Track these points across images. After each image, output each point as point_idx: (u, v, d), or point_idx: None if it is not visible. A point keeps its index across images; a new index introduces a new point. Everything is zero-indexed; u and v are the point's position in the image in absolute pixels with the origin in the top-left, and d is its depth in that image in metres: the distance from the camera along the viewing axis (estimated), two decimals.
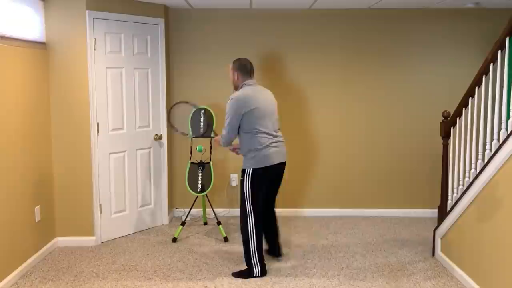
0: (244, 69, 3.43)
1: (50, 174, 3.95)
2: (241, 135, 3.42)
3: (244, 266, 3.51)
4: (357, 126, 4.90)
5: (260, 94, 3.40)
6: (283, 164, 3.47)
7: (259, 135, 3.33)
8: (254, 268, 3.43)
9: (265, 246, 3.64)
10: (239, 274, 3.47)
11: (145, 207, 4.53)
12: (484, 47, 4.63)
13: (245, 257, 3.47)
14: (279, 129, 3.51)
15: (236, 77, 3.45)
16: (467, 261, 3.31)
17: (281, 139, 3.47)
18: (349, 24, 4.78)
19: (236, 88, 3.49)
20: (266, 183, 3.44)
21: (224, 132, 3.43)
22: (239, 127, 3.37)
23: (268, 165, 3.35)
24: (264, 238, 3.61)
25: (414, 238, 4.30)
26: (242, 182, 3.41)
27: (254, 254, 3.41)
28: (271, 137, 3.38)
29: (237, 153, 3.66)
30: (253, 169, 3.35)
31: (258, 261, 3.42)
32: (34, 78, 3.66)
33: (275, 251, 3.79)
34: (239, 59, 3.49)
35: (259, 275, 3.43)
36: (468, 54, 4.78)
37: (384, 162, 4.93)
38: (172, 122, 4.42)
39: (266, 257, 3.65)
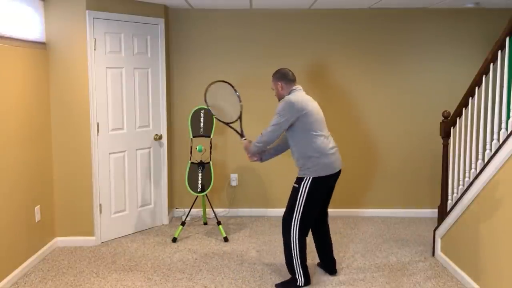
0: (286, 77, 3.29)
1: (50, 174, 3.95)
2: (296, 141, 3.20)
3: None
4: (356, 126, 4.90)
5: (309, 99, 3.24)
6: (340, 172, 3.31)
7: (319, 138, 3.15)
8: (298, 277, 3.26)
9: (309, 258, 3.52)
10: (283, 285, 3.30)
11: (145, 207, 4.53)
12: (484, 47, 4.64)
13: (288, 267, 3.30)
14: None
15: (280, 88, 3.29)
16: (467, 261, 3.31)
17: (335, 144, 3.30)
18: (349, 24, 4.78)
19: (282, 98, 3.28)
20: (324, 194, 3.28)
21: (266, 130, 3.21)
22: (291, 132, 3.20)
23: (331, 173, 3.18)
24: (317, 251, 3.52)
25: (414, 238, 4.30)
26: (296, 189, 3.20)
27: (297, 263, 3.23)
28: (329, 141, 3.23)
29: (260, 161, 3.51)
30: (313, 178, 3.14)
31: (302, 269, 3.25)
32: (34, 78, 3.66)
33: (329, 266, 3.52)
34: (279, 70, 3.33)
35: (302, 284, 3.26)
36: (468, 54, 4.78)
37: (384, 162, 4.93)
38: (208, 102, 3.92)
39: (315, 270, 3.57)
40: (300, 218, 3.18)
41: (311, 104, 3.22)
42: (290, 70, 3.34)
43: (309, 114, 3.14)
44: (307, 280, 3.28)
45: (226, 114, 4.01)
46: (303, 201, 3.16)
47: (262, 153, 3.49)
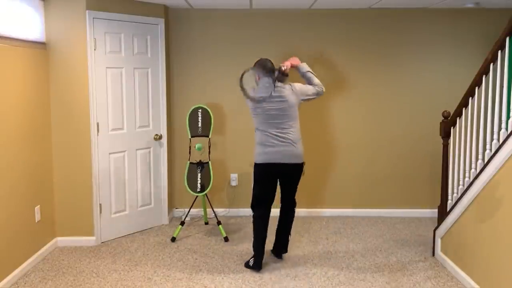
0: (263, 68, 3.50)
1: (50, 174, 3.95)
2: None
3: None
4: (356, 126, 4.90)
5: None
6: (287, 166, 3.50)
7: (259, 133, 3.52)
8: (252, 256, 3.64)
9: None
10: (246, 262, 3.66)
11: (145, 207, 4.53)
12: (484, 47, 4.64)
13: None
14: (287, 128, 3.48)
15: (257, 78, 3.56)
16: (467, 261, 3.31)
17: (287, 140, 3.48)
18: (349, 24, 4.78)
19: None
20: (266, 180, 3.57)
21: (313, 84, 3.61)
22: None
23: (267, 162, 3.49)
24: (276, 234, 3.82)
25: (414, 238, 4.30)
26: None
27: (253, 241, 3.63)
28: (271, 137, 3.46)
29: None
30: (255, 163, 3.55)
31: (254, 250, 3.63)
32: (34, 78, 3.66)
33: (276, 249, 3.84)
34: (258, 60, 3.58)
35: (251, 265, 3.60)
36: (468, 54, 4.78)
37: (384, 162, 4.93)
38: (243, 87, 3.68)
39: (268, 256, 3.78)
40: (252, 196, 3.62)
41: (264, 102, 3.43)
42: (268, 61, 3.53)
43: (255, 111, 3.48)
44: (256, 264, 3.53)
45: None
46: (253, 183, 3.61)
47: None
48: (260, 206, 3.58)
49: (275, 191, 3.60)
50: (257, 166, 3.53)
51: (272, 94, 3.42)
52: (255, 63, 3.56)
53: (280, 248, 3.80)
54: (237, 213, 5.01)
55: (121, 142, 4.26)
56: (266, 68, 3.48)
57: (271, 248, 3.87)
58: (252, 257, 3.61)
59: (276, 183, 3.59)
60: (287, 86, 3.50)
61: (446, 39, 4.78)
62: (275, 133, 3.44)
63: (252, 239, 3.62)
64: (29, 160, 3.59)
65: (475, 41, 4.76)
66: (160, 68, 4.52)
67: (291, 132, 3.45)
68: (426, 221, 4.76)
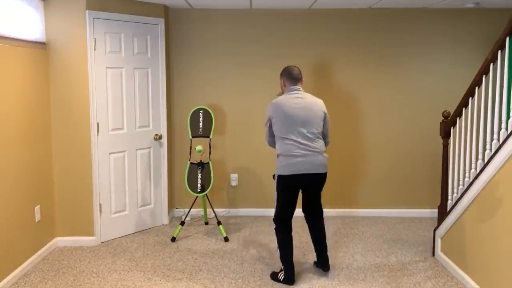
0: (290, 75, 3.38)
1: (50, 174, 3.95)
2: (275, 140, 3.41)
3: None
4: (356, 126, 4.90)
5: (290, 103, 3.29)
6: (313, 175, 3.31)
7: (284, 141, 3.29)
8: (281, 271, 3.42)
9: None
10: (273, 275, 3.46)
11: (145, 207, 4.53)
12: (484, 47, 4.64)
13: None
14: (314, 136, 3.31)
15: (283, 84, 3.43)
16: (467, 261, 3.31)
17: (311, 148, 3.29)
18: (349, 24, 4.78)
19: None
20: (292, 192, 3.36)
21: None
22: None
23: (294, 173, 3.26)
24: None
25: (414, 238, 4.30)
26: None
27: (280, 256, 3.43)
28: (298, 146, 3.26)
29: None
30: (279, 175, 3.32)
31: (284, 265, 3.41)
32: (34, 78, 3.66)
33: (321, 262, 3.59)
34: (286, 67, 3.45)
35: (282, 280, 3.39)
36: (468, 54, 4.78)
37: (384, 162, 4.93)
38: None
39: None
40: (275, 211, 3.40)
41: (289, 109, 3.26)
42: (296, 68, 3.41)
43: (277, 119, 3.29)
44: (289, 279, 3.34)
45: None
46: (276, 196, 3.39)
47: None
48: (286, 218, 3.39)
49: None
50: (283, 178, 3.30)
51: (300, 101, 3.30)
52: (283, 70, 3.44)
53: (325, 260, 3.57)
54: (237, 213, 5.01)
55: (121, 142, 4.26)
56: (292, 75, 3.37)
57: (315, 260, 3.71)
58: (281, 271, 3.40)
59: (299, 193, 3.44)
60: (309, 95, 3.38)
61: (446, 39, 4.78)
62: (303, 141, 3.26)
63: (278, 251, 3.40)
64: (29, 160, 3.59)
65: (475, 41, 4.76)
66: (160, 68, 4.52)
67: (317, 141, 3.31)
68: (426, 221, 4.76)
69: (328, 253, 3.64)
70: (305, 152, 3.25)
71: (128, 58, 4.23)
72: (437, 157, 4.34)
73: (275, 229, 3.40)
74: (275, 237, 3.42)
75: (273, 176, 3.41)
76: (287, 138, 3.26)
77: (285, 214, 3.38)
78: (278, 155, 3.32)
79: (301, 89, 3.37)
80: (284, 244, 3.37)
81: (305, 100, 3.31)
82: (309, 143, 3.27)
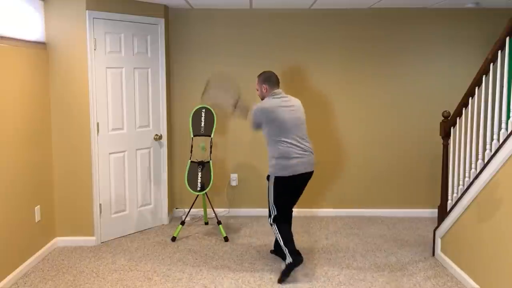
0: (270, 80, 3.51)
1: (50, 174, 3.95)
2: (267, 142, 3.48)
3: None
4: (356, 126, 4.90)
5: (279, 106, 3.41)
6: (306, 174, 3.46)
7: (281, 144, 3.37)
8: (288, 258, 3.44)
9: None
10: (282, 274, 3.44)
11: (145, 207, 4.53)
12: (484, 47, 4.63)
13: (279, 254, 3.71)
14: (305, 137, 3.49)
15: (265, 90, 3.51)
16: (467, 261, 3.31)
17: (307, 150, 3.45)
18: (349, 24, 4.78)
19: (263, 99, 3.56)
20: (288, 191, 3.49)
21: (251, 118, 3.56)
22: (264, 133, 3.48)
23: (290, 175, 3.37)
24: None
25: (414, 238, 4.30)
26: (268, 183, 3.52)
27: (282, 244, 3.48)
28: (294, 148, 3.38)
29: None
30: (275, 177, 3.42)
31: (288, 249, 3.46)
32: (34, 78, 3.66)
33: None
34: (263, 73, 3.57)
35: (292, 261, 3.39)
36: (468, 54, 4.78)
37: (384, 162, 4.93)
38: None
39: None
40: (274, 212, 3.49)
41: (281, 112, 3.38)
42: (273, 73, 3.56)
43: (269, 124, 3.38)
44: (296, 257, 3.37)
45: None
46: (273, 198, 3.48)
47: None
48: (285, 217, 3.54)
49: None
50: (283, 179, 3.40)
51: (287, 104, 3.44)
52: (260, 75, 3.56)
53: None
54: (237, 213, 5.01)
55: (121, 142, 4.25)
56: (272, 79, 3.50)
57: (272, 249, 3.90)
58: (285, 261, 3.43)
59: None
60: (292, 97, 3.54)
61: (446, 39, 4.78)
62: (297, 143, 3.38)
63: (281, 240, 3.43)
64: (29, 160, 3.59)
65: (475, 41, 4.76)
66: (160, 68, 4.52)
67: (308, 141, 3.48)
68: (426, 221, 4.76)
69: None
70: (302, 153, 3.40)
71: (128, 58, 4.23)
72: (437, 157, 4.34)
73: (275, 226, 3.48)
74: (276, 233, 3.48)
75: (267, 178, 3.51)
76: (282, 141, 3.37)
77: (284, 212, 3.53)
78: (273, 158, 3.41)
79: (282, 91, 3.52)
80: (285, 230, 3.47)
81: (292, 103, 3.49)
82: (303, 144, 3.43)
